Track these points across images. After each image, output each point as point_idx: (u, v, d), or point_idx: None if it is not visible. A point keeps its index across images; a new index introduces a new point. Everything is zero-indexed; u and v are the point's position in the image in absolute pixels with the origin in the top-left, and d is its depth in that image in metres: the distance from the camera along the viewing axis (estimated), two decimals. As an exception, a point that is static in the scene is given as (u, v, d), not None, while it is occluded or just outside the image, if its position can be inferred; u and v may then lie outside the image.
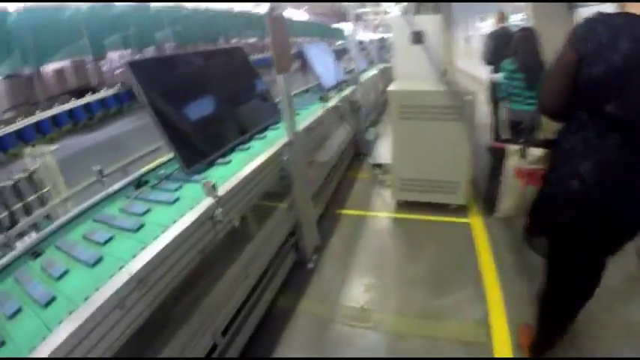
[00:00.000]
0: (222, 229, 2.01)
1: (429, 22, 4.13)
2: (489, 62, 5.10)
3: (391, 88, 3.65)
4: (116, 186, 2.38)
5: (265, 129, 3.29)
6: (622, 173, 1.40)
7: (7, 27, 9.30)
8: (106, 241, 1.70)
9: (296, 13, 33.90)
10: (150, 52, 15.18)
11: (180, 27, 15.03)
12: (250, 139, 3.08)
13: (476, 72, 9.89)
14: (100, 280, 1.40)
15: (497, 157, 1.89)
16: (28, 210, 2.69)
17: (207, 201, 1.91)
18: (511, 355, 2.23)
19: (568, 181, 1.50)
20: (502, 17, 5.22)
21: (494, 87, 4.73)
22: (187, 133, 2.57)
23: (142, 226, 1.78)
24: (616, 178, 1.42)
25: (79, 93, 10.79)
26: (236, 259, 2.29)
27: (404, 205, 4.12)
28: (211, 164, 2.58)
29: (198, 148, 2.57)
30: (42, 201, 2.67)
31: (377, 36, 13.25)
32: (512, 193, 1.88)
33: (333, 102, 4.53)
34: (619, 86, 1.32)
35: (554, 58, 1.50)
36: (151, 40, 14.52)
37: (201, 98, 2.85)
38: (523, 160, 1.79)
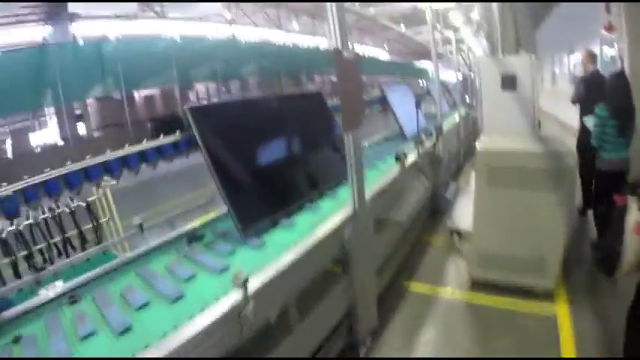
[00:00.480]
0: (253, 327, 1.78)
1: (520, 63, 3.88)
2: (581, 107, 4.83)
3: (479, 145, 3.36)
4: (169, 236, 2.42)
5: (338, 184, 3.17)
6: None
7: (104, 54, 10.65)
8: (140, 307, 1.70)
9: (376, 52, 34.79)
10: (235, 85, 16.37)
11: (265, 62, 16.11)
12: (320, 196, 2.97)
13: (563, 116, 9.13)
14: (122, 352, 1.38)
15: (619, 211, 1.90)
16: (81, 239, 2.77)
17: (235, 295, 1.69)
18: None
19: None
20: (590, 57, 4.91)
21: (586, 133, 4.47)
22: (247, 188, 2.53)
23: (180, 298, 1.74)
24: None
25: (165, 121, 11.87)
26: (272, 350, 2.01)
27: (481, 284, 3.70)
28: (274, 223, 2.50)
29: (258, 207, 2.51)
30: (96, 233, 2.76)
31: (459, 76, 13.00)
32: (633, 249, 1.84)
33: (411, 158, 4.30)
34: None
35: None
36: (236, 74, 15.73)
37: (267, 149, 2.81)
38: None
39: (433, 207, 5.53)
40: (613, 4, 6.21)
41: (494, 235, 3.45)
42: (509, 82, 3.83)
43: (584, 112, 4.58)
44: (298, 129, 3.16)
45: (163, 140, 2.50)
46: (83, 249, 2.32)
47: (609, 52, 8.18)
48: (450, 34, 9.89)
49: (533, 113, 3.85)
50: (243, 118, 2.81)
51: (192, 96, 17.16)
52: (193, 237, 2.44)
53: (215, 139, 2.47)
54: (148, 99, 15.76)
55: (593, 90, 4.56)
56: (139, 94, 15.29)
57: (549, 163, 3.10)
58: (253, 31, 22.45)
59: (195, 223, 2.69)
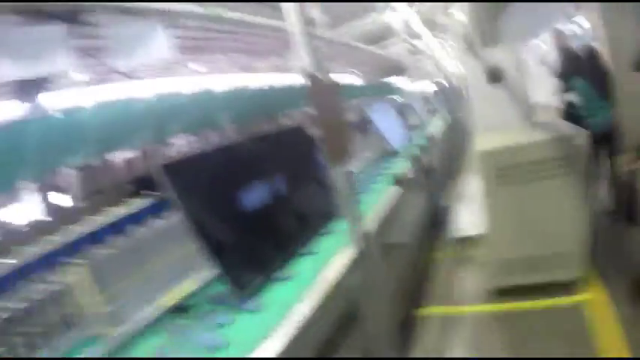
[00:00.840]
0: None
1: (502, 54, 3.72)
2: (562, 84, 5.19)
3: (480, 147, 3.13)
4: (154, 312, 2.10)
5: (332, 219, 2.94)
6: None
7: (81, 121, 10.43)
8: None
9: (346, 78, 35.10)
10: (214, 136, 16.20)
11: (240, 108, 15.98)
12: (315, 236, 2.75)
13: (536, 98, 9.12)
14: None
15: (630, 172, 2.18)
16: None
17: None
18: None
19: None
20: (560, 37, 5.24)
21: (571, 107, 4.76)
22: (235, 244, 2.26)
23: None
24: None
25: (148, 180, 11.59)
26: None
27: (503, 291, 3.40)
28: (270, 278, 2.23)
29: (250, 263, 2.24)
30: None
31: (435, 84, 12.99)
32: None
33: (408, 175, 4.07)
34: None
35: None
36: (214, 123, 15.53)
37: (251, 196, 2.55)
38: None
39: (433, 219, 5.25)
40: None
41: (513, 237, 3.22)
42: (494, 76, 3.63)
43: (566, 89, 4.83)
44: (282, 168, 2.92)
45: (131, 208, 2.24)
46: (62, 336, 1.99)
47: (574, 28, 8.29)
48: (418, 42, 9.80)
49: (525, 102, 3.65)
50: (222, 167, 2.56)
51: (173, 151, 16.96)
52: (182, 309, 2.14)
53: (194, 195, 2.20)
54: (128, 161, 15.56)
55: (571, 66, 4.83)
56: (120, 158, 15.08)
57: (560, 148, 2.93)
58: (224, 78, 22.55)
59: (181, 292, 2.36)
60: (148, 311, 2.12)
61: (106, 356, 1.82)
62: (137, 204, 2.49)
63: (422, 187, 4.64)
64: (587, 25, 6.32)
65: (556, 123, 3.32)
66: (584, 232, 3.06)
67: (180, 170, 2.24)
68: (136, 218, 2.35)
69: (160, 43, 2.61)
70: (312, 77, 1.99)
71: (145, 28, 2.56)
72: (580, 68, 4.36)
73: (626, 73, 3.36)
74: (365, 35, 8.28)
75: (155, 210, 2.46)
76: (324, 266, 2.19)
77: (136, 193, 2.35)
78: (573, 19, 6.79)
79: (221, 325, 1.85)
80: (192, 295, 2.27)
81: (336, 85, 2.24)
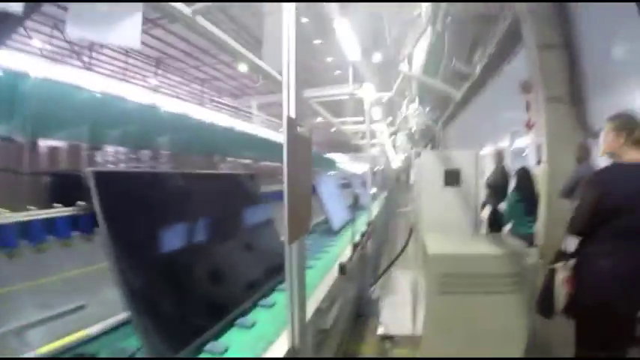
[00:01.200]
0: None
1: (465, 157, 3.67)
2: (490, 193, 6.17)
3: (432, 249, 2.89)
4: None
5: (273, 288, 2.75)
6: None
7: (19, 90, 9.13)
8: None
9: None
10: (145, 154, 15.16)
11: (181, 135, 15.19)
12: (254, 306, 2.44)
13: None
14: None
15: (551, 274, 2.54)
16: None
17: None
18: None
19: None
20: (498, 154, 6.35)
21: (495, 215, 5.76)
22: (162, 297, 1.83)
23: None
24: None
25: (65, 176, 10.29)
26: None
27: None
28: (199, 348, 1.85)
29: (177, 326, 1.83)
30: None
31: (372, 168, 13.31)
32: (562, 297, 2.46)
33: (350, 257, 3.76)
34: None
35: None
36: (151, 143, 14.55)
37: (190, 241, 2.20)
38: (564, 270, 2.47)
39: (358, 310, 4.87)
40: (532, 102, 6.73)
41: (450, 349, 2.92)
42: (453, 177, 3.52)
43: (491, 198, 5.86)
44: (229, 217, 2.64)
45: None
46: None
47: (520, 145, 8.96)
48: (375, 126, 10.07)
49: (475, 210, 3.55)
50: (162, 196, 2.16)
51: (99, 158, 15.69)
52: None
53: (123, 216, 1.77)
54: (53, 150, 14.03)
55: (503, 181, 5.90)
56: (43, 143, 13.60)
57: (510, 265, 2.81)
58: (175, 102, 21.83)
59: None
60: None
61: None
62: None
63: (357, 275, 4.31)
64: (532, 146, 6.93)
65: (505, 238, 3.23)
66: (522, 348, 2.89)
67: (113, 183, 1.84)
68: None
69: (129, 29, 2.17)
70: (289, 118, 1.62)
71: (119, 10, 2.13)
72: (512, 185, 5.11)
73: (555, 199, 3.99)
74: (327, 104, 8.32)
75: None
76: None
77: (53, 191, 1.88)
78: (520, 139, 7.44)
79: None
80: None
81: (310, 140, 1.88)
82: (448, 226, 3.61)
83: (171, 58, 20.20)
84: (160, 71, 21.31)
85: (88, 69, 17.65)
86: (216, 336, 2.00)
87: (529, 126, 7.00)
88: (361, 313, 4.87)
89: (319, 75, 19.44)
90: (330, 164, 25.32)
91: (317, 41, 15.48)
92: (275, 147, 23.29)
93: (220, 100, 21.89)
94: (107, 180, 1.79)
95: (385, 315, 4.36)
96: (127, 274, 1.64)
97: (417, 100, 8.85)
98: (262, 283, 2.67)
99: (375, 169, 13.12)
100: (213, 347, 1.88)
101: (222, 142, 17.71)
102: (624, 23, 4.98)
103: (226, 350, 1.88)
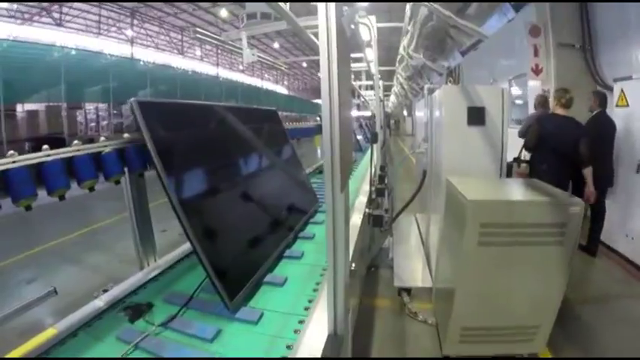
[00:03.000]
0: None
1: (490, 94, 3.21)
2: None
3: (470, 195, 2.46)
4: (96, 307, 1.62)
5: (307, 222, 2.84)
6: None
7: None
8: None
9: (275, 87, 34.49)
10: (127, 109, 14.36)
11: (162, 87, 14.38)
12: (295, 239, 2.54)
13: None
14: None
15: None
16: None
17: None
18: None
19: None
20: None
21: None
22: (224, 236, 1.87)
23: None
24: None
25: (49, 141, 9.71)
26: None
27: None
28: (258, 283, 1.88)
29: (240, 262, 1.87)
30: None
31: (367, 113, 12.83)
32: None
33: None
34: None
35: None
36: (131, 96, 13.72)
37: (234, 176, 2.28)
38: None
39: (370, 261, 4.57)
40: (541, 49, 6.25)
41: (482, 306, 2.66)
42: (477, 116, 3.07)
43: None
44: (263, 152, 2.71)
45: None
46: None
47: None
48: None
49: (501, 154, 3.14)
50: (204, 130, 2.21)
51: (80, 117, 14.95)
52: (137, 310, 1.61)
53: (174, 154, 1.78)
54: (32, 114, 13.22)
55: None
56: (21, 108, 12.75)
57: (556, 214, 2.42)
58: (154, 53, 20.52)
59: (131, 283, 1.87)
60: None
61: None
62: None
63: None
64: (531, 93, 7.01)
65: (540, 183, 2.85)
66: (555, 308, 2.64)
67: (157, 112, 1.82)
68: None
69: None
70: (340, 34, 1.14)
71: None
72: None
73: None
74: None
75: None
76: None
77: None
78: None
79: (207, 339, 1.42)
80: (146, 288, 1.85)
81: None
82: (471, 170, 3.20)
83: (148, 7, 18.73)
84: (136, 22, 19.86)
85: (60, 25, 16.35)
86: (271, 268, 2.06)
87: (537, 71, 6.55)
88: (372, 264, 4.58)
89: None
90: (319, 109, 24.74)
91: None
92: (261, 94, 22.59)
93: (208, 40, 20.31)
94: (148, 107, 1.77)
95: (398, 266, 4.05)
96: (188, 207, 1.64)
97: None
98: (300, 216, 2.77)
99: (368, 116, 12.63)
100: (273, 279, 1.92)
101: (204, 90, 16.89)
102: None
103: (286, 280, 1.92)
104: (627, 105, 4.70)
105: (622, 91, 4.76)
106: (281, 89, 35.99)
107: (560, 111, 4.00)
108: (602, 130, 4.52)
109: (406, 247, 4.60)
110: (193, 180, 1.88)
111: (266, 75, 33.66)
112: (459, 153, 3.26)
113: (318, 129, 5.63)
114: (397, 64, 9.43)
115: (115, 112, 14.41)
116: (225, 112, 2.46)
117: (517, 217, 2.41)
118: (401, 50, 7.00)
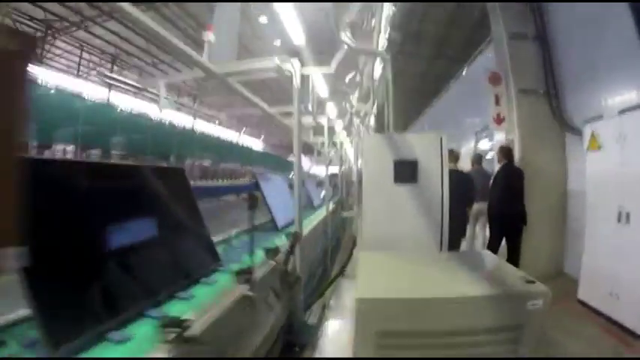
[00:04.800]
0: None
1: (426, 143, 2.45)
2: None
3: (361, 289, 1.61)
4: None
5: (197, 280, 2.52)
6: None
7: None
8: None
9: (253, 142, 34.00)
10: (96, 154, 13.50)
11: (133, 136, 13.63)
12: (171, 298, 2.23)
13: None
14: None
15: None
16: None
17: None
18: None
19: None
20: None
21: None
22: (68, 278, 1.69)
23: None
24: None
25: None
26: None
27: None
28: (102, 337, 1.63)
29: (81, 309, 1.66)
30: None
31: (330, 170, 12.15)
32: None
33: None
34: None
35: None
36: (101, 143, 12.97)
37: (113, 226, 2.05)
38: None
39: (287, 340, 3.60)
40: (502, 97, 5.74)
41: None
42: (407, 171, 2.31)
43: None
44: (146, 215, 2.43)
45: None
46: None
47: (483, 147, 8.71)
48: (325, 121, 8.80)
49: (440, 217, 2.35)
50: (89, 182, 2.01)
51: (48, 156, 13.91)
52: None
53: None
54: None
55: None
56: None
57: (503, 313, 1.64)
58: (130, 100, 19.98)
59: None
60: None
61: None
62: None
63: (277, 292, 3.04)
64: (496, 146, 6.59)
65: (488, 256, 2.03)
66: None
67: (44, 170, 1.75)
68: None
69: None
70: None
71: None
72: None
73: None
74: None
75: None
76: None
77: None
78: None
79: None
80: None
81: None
82: (401, 241, 2.40)
83: (127, 54, 18.34)
84: (116, 68, 19.41)
85: (41, 63, 15.80)
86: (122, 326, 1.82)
87: (498, 120, 6.04)
88: (292, 342, 3.61)
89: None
90: (288, 165, 24.46)
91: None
92: (233, 149, 21.96)
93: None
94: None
95: (323, 341, 3.08)
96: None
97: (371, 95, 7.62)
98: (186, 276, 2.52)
99: (332, 172, 11.93)
100: (116, 336, 1.70)
101: (177, 143, 16.15)
102: (601, 14, 4.54)
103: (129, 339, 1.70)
104: (599, 148, 4.17)
105: (592, 134, 4.28)
106: (258, 143, 35.80)
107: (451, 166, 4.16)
108: (510, 178, 4.87)
109: (338, 320, 3.66)
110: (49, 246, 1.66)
111: (245, 127, 33.57)
112: (382, 219, 2.45)
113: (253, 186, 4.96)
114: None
115: (83, 155, 13.51)
116: (119, 172, 2.39)
117: (438, 322, 1.54)
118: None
